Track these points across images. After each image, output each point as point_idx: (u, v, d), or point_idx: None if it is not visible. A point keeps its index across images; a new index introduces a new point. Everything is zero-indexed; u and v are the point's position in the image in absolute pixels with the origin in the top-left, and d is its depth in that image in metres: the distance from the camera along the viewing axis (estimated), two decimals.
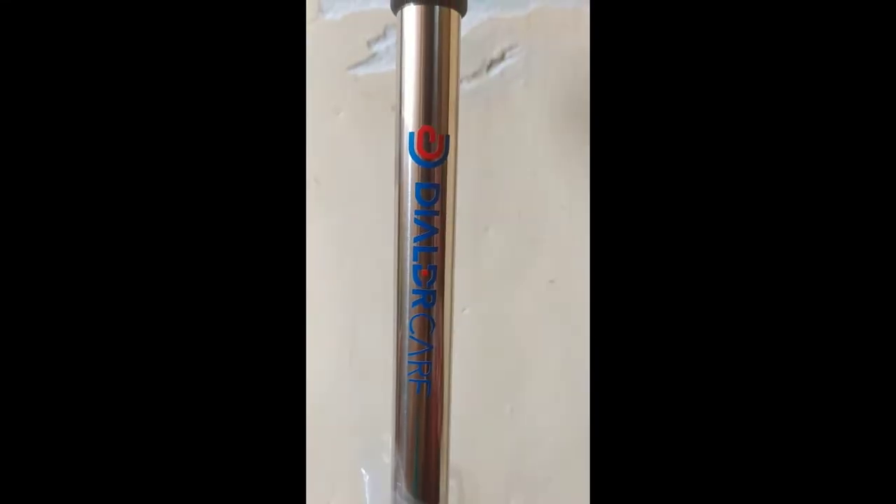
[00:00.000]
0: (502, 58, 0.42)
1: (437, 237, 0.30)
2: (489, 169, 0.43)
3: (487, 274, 0.45)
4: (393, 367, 0.32)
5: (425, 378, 0.32)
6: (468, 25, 0.41)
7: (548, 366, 0.47)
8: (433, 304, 0.31)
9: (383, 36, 0.41)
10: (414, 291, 0.30)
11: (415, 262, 0.30)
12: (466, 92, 0.42)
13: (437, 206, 0.30)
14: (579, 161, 0.43)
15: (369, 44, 0.41)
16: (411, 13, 0.28)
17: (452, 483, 0.33)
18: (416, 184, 0.29)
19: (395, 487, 0.31)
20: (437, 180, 0.29)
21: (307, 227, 0.41)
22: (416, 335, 0.31)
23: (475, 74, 0.42)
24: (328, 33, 0.41)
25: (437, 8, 0.28)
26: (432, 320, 0.31)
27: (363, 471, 0.32)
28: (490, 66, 0.42)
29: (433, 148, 0.29)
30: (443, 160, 0.29)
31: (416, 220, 0.29)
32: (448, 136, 0.29)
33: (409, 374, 0.31)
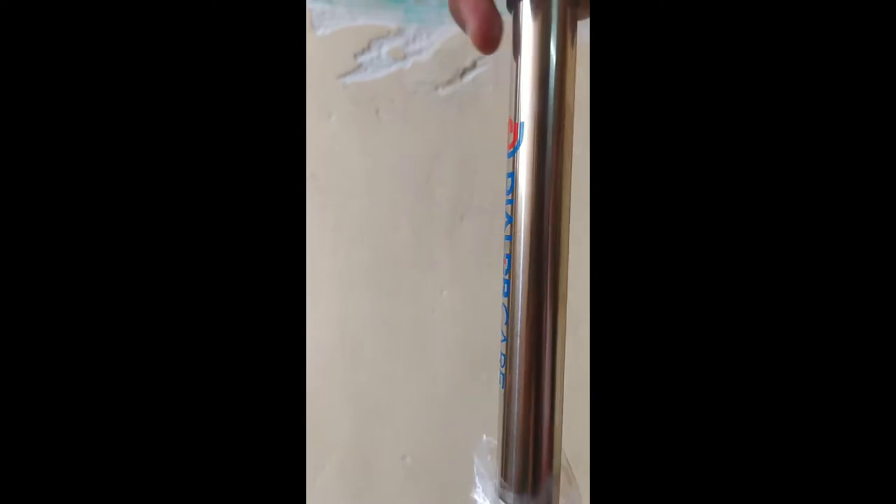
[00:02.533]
0: (474, 66, 0.43)
1: (511, 227, 0.30)
2: (467, 164, 0.45)
3: (484, 269, 0.46)
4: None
5: (502, 370, 0.31)
6: (443, 37, 0.42)
7: None
8: (507, 293, 0.31)
9: (368, 49, 0.41)
10: (504, 281, 0.30)
11: (505, 252, 0.30)
12: (442, 97, 0.43)
13: (512, 196, 0.30)
14: None
15: (356, 56, 0.41)
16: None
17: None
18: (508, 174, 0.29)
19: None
20: (512, 169, 0.30)
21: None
22: (502, 327, 0.31)
23: (450, 81, 0.43)
24: (320, 47, 0.40)
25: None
26: (506, 310, 0.31)
27: (475, 456, 0.32)
28: (463, 73, 0.43)
29: (510, 137, 0.29)
30: (516, 150, 0.30)
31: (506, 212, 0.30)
32: (523, 123, 0.29)
33: (500, 366, 0.31)
